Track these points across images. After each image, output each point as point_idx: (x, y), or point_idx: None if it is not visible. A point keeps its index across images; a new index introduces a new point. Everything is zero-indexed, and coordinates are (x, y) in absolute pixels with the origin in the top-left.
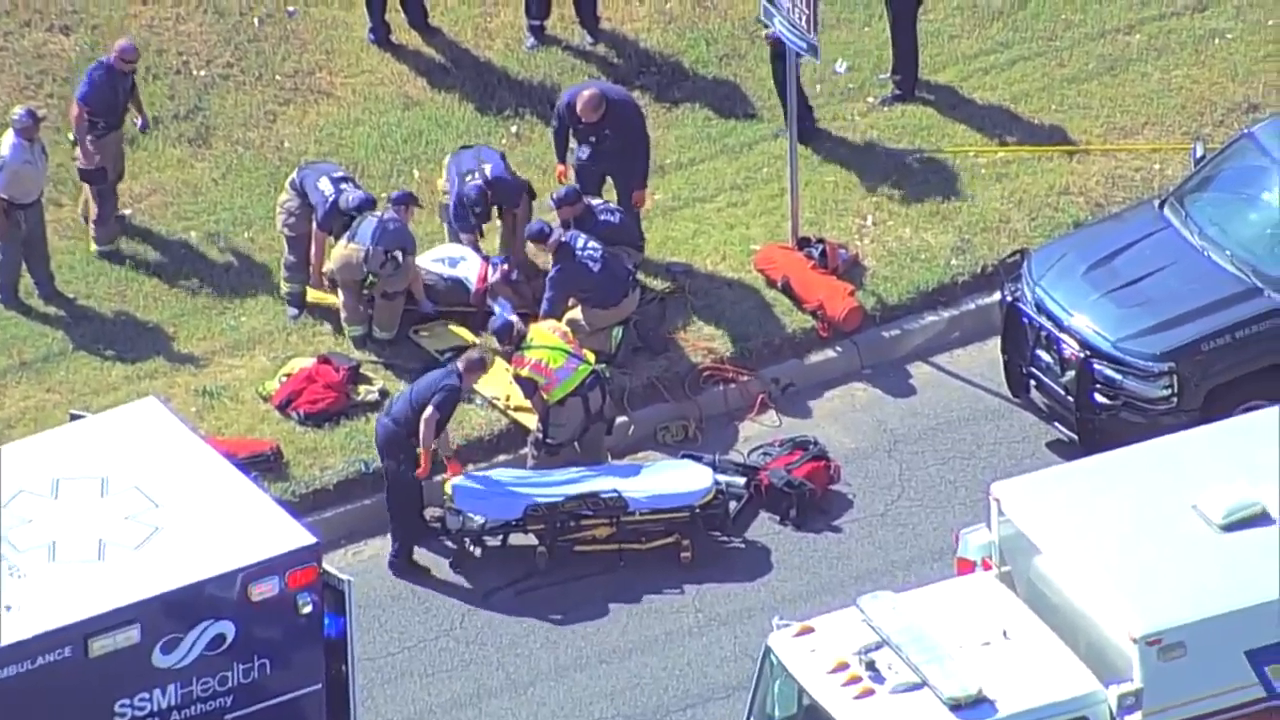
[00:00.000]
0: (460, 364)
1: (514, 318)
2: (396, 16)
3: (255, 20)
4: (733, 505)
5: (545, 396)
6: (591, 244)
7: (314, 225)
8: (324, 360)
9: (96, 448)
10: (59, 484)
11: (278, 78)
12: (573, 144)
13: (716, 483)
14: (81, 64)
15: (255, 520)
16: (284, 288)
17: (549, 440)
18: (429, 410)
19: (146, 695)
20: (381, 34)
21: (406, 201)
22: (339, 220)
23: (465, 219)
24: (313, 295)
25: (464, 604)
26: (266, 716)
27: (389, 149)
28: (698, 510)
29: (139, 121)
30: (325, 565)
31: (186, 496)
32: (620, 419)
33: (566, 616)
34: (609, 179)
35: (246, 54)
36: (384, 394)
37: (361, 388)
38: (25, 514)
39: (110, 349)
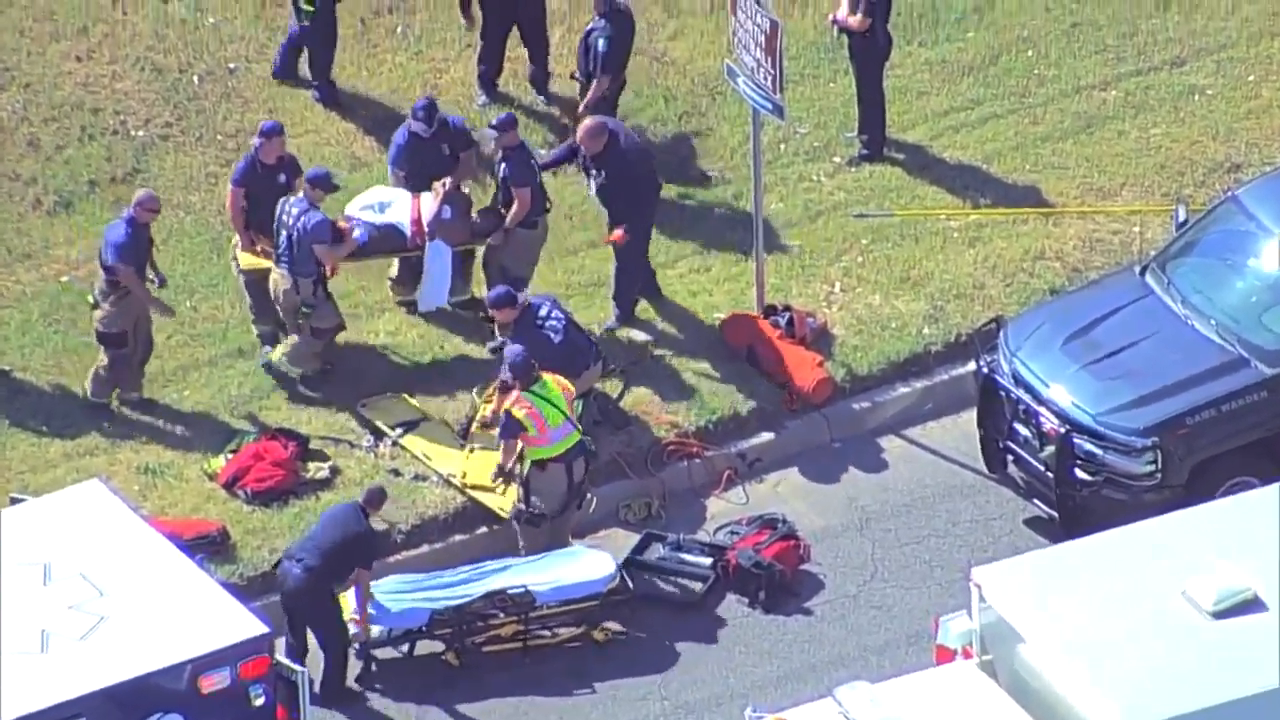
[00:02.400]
0: (362, 501)
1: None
2: (343, 72)
3: (195, 78)
4: (699, 587)
5: (527, 451)
6: (555, 313)
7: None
8: (271, 436)
9: (38, 532)
10: None
11: (219, 137)
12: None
13: (619, 567)
14: (13, 122)
15: (204, 608)
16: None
17: (533, 510)
18: (360, 572)
19: None
20: (327, 92)
21: (315, 184)
22: (257, 181)
23: (394, 155)
24: (246, 261)
25: (416, 704)
26: None
27: (335, 212)
28: (604, 597)
29: (155, 278)
30: (277, 655)
31: (133, 583)
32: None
33: (529, 709)
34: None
35: (187, 113)
36: (334, 471)
37: (311, 464)
38: None
39: (47, 424)
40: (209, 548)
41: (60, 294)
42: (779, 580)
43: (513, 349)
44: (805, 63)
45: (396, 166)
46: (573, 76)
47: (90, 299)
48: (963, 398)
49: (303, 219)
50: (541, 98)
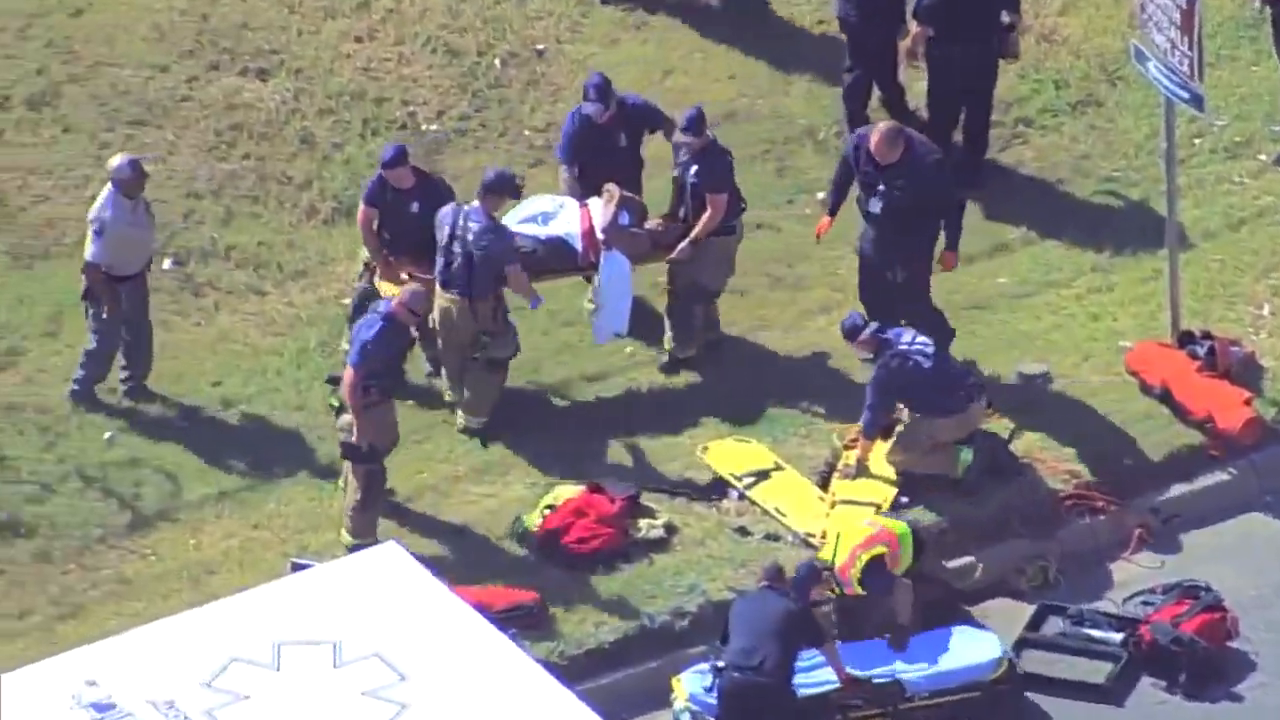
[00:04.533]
0: (766, 581)
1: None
2: None
3: (496, 61)
4: (1108, 669)
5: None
6: (920, 339)
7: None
8: (596, 489)
9: (327, 605)
10: (281, 650)
11: (526, 132)
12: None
13: (1006, 652)
14: (282, 115)
15: (521, 693)
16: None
17: None
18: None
19: None
20: None
21: (500, 190)
22: (387, 205)
23: (563, 146)
24: (388, 289)
25: None
26: None
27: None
28: (988, 687)
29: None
30: None
31: (437, 665)
32: (965, 559)
33: None
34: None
35: (487, 103)
36: (670, 529)
37: (643, 522)
38: (240, 688)
39: (327, 475)
40: (523, 621)
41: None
42: (1204, 659)
43: (870, 387)
44: (1222, 41)
45: (567, 160)
46: None
47: (333, 402)
48: None
49: (488, 237)
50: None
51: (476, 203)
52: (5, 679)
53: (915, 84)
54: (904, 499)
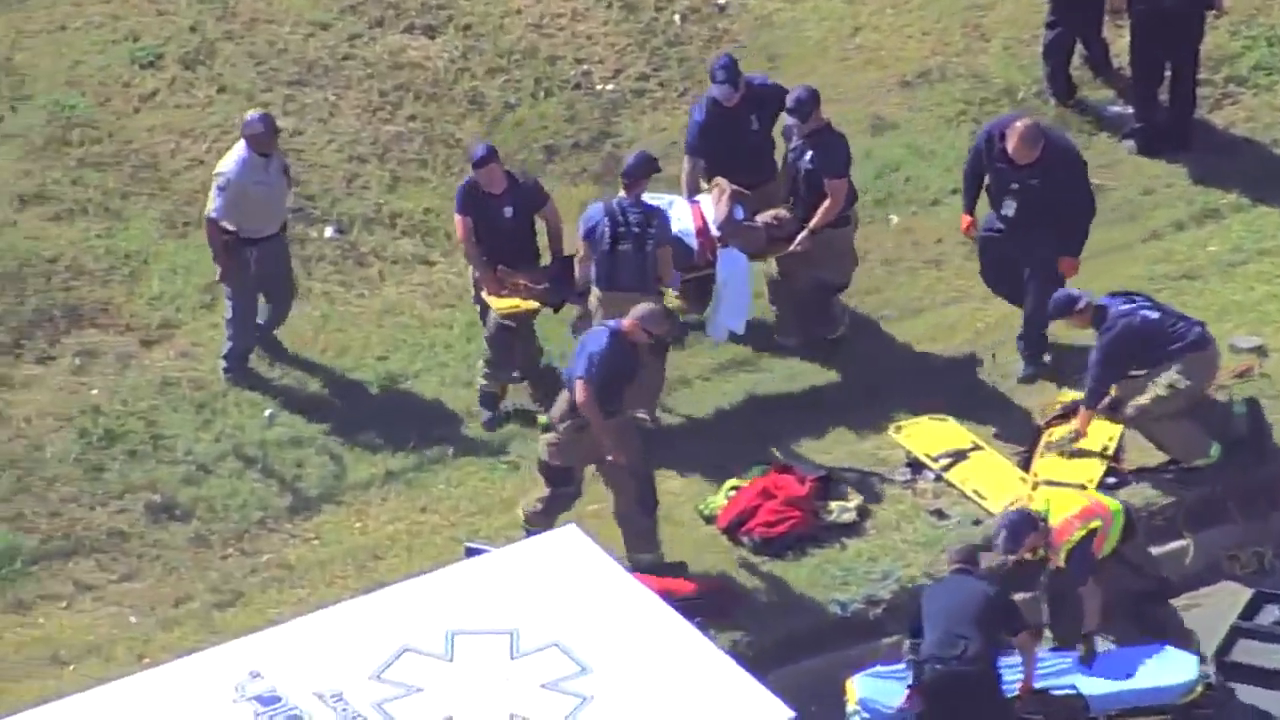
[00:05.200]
0: (960, 563)
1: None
2: None
3: (675, 16)
4: None
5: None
6: (1136, 295)
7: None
8: (783, 469)
9: (503, 592)
10: (455, 640)
11: None
12: None
13: (1205, 675)
14: (450, 74)
15: (711, 687)
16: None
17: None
18: (1024, 637)
19: None
20: None
21: (644, 172)
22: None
23: (694, 135)
24: (500, 304)
25: None
26: None
27: (860, 185)
28: (1182, 711)
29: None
30: None
31: (621, 656)
32: (1176, 544)
33: None
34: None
35: (666, 62)
36: (862, 512)
37: (834, 504)
38: (413, 681)
39: (499, 455)
40: (709, 609)
41: None
42: None
43: (1097, 354)
44: None
45: (694, 153)
46: None
47: (543, 420)
48: None
49: (655, 223)
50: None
51: (622, 194)
52: (164, 670)
53: (1118, 40)
54: (1110, 479)
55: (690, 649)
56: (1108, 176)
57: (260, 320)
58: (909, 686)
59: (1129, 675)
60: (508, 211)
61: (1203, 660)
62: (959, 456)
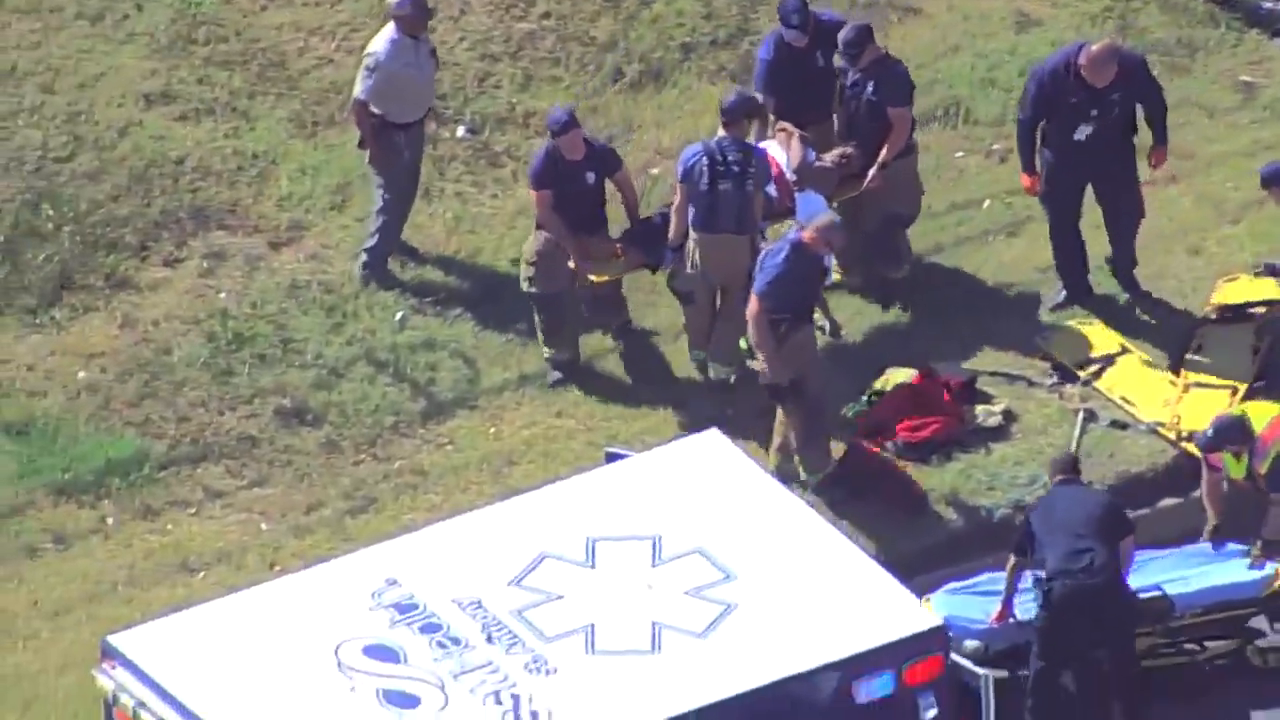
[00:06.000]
0: (1063, 476)
1: None
2: None
3: None
4: None
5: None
6: None
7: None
8: (927, 374)
9: (644, 498)
10: (595, 547)
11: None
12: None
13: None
14: None
15: (858, 594)
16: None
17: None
18: (1127, 541)
19: None
20: None
21: (744, 112)
22: (561, 182)
23: (763, 75)
24: (600, 276)
25: None
26: None
27: (1000, 85)
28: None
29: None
30: (954, 655)
31: (766, 562)
32: None
33: None
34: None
35: None
36: (1009, 416)
37: (980, 408)
38: (553, 588)
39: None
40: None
41: (648, 190)
42: None
43: None
44: None
45: (766, 92)
46: None
47: (742, 343)
48: None
49: (755, 162)
50: None
51: (722, 133)
52: (299, 577)
53: None
54: (1259, 383)
55: (836, 555)
56: (1259, 74)
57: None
58: (1005, 602)
59: (1210, 574)
60: (589, 178)
61: None
62: (1107, 362)
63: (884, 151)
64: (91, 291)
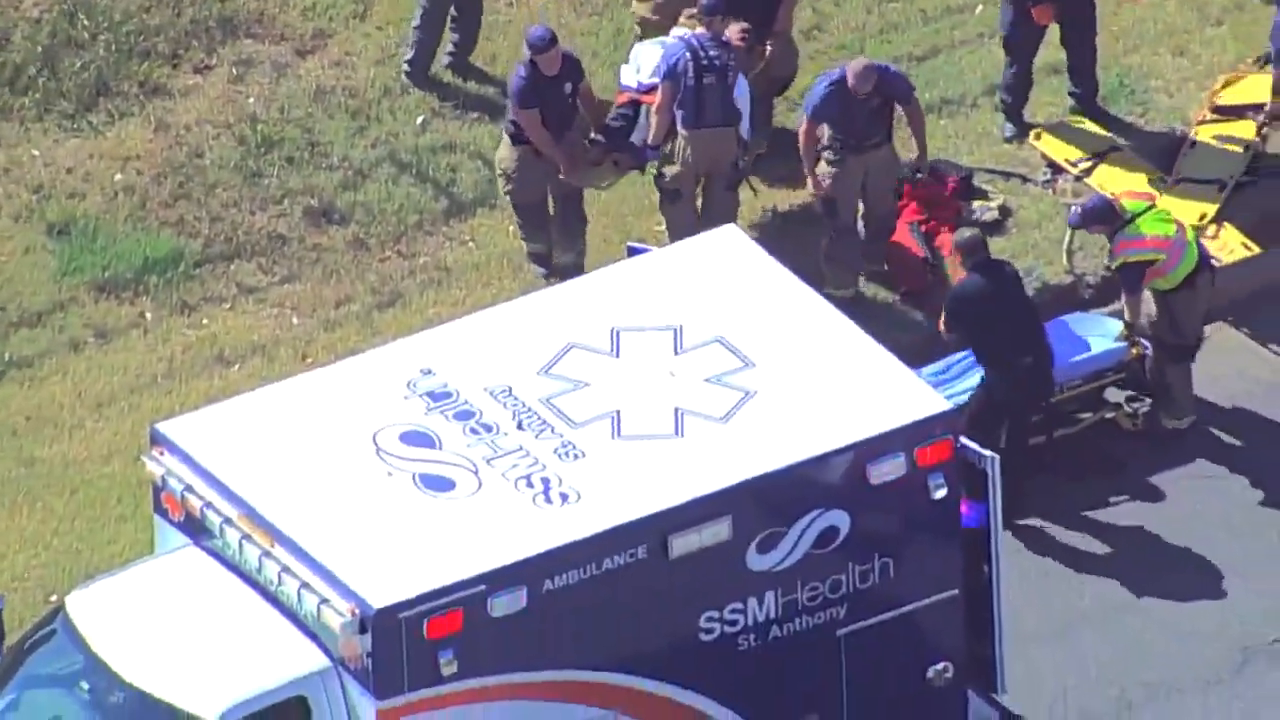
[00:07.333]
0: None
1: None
2: None
3: None
4: None
5: (1160, 283)
6: None
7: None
8: (930, 171)
9: (666, 289)
10: (619, 336)
11: None
12: None
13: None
14: None
15: (872, 381)
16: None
17: None
18: None
19: (739, 605)
20: None
21: (720, 9)
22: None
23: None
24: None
25: None
26: (889, 630)
27: None
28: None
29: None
30: (962, 438)
31: (783, 351)
32: None
33: None
34: None
35: None
36: (1005, 211)
37: (976, 203)
38: (580, 375)
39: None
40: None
41: None
42: None
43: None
44: None
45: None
46: None
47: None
48: None
49: (735, 55)
50: None
51: (700, 29)
52: (337, 367)
53: None
54: (1247, 178)
55: (852, 345)
56: None
57: (452, 42)
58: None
59: (1080, 347)
60: (567, 88)
61: None
62: (1098, 158)
63: (782, 13)
64: (126, 98)
